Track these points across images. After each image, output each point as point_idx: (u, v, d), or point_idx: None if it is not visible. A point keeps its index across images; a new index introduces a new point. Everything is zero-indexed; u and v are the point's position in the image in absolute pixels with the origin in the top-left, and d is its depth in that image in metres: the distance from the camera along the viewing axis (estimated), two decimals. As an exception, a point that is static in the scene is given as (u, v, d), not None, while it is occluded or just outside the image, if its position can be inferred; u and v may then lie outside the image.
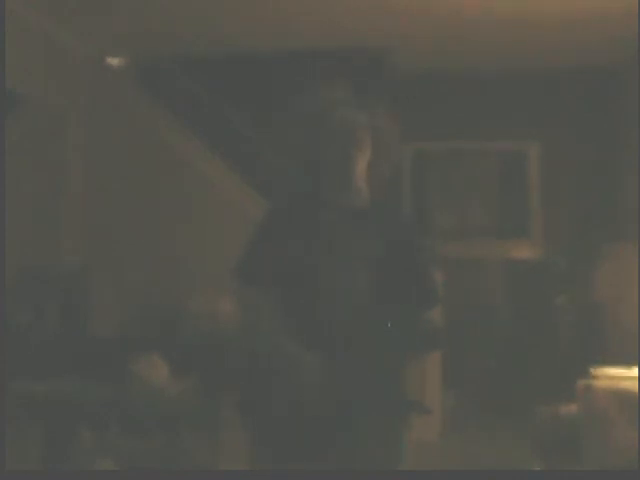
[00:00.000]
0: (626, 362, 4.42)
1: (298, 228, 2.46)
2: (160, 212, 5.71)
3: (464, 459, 4.85)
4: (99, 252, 5.54)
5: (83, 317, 4.98)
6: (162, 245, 5.62)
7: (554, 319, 6.57)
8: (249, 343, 2.48)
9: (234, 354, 4.16)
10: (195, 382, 4.42)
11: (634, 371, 4.22)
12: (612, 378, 4.20)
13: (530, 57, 6.48)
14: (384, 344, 2.41)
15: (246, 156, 6.04)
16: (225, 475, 3.60)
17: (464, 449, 5.17)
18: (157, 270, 5.54)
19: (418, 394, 2.47)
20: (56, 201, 5.47)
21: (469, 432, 5.73)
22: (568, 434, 4.15)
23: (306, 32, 5.86)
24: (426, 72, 6.73)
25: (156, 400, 4.22)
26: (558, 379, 5.71)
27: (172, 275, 5.49)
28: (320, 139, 2.49)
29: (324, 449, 2.34)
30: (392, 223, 2.56)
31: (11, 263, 4.44)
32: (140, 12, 5.49)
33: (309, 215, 2.49)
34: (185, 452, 4.18)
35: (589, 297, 6.26)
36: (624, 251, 5.84)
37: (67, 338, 4.71)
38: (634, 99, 6.23)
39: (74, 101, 5.59)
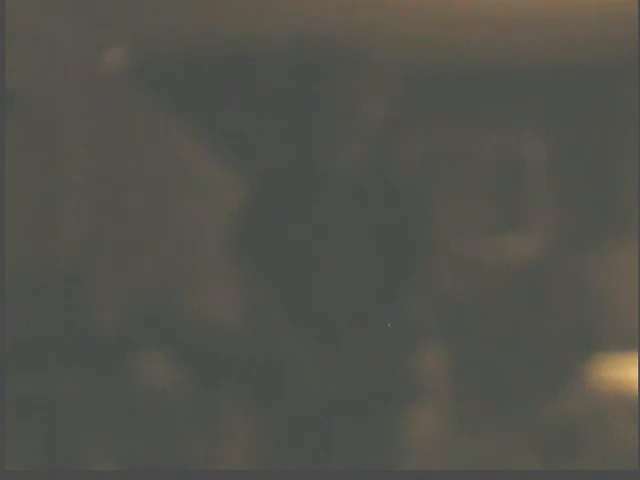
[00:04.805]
0: (626, 361, 4.42)
1: (292, 201, 2.36)
2: (160, 212, 5.71)
3: (464, 459, 4.84)
4: (99, 252, 5.54)
5: (83, 317, 4.98)
6: (162, 245, 5.62)
7: (554, 317, 6.57)
8: (250, 335, 2.42)
9: (235, 353, 4.16)
10: (195, 381, 4.42)
11: (634, 370, 4.22)
12: (612, 377, 4.21)
13: (530, 57, 6.49)
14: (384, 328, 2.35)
15: (247, 156, 6.04)
16: (225, 475, 3.61)
17: (464, 449, 5.17)
18: (157, 270, 5.53)
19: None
20: (56, 201, 5.46)
21: (469, 432, 5.73)
22: (568, 434, 4.16)
23: (306, 32, 5.86)
24: (426, 72, 6.73)
25: (156, 400, 4.23)
26: (558, 378, 5.71)
27: (172, 275, 5.49)
28: (319, 103, 2.37)
29: (324, 448, 2.33)
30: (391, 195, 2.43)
31: (11, 263, 4.44)
32: (140, 12, 5.50)
33: (304, 186, 2.37)
34: (185, 452, 4.19)
35: (589, 296, 6.25)
36: (624, 249, 5.84)
37: (67, 338, 4.71)
38: (634, 99, 6.23)
39: (74, 101, 5.58)
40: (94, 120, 5.57)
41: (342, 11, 5.56)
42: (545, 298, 6.56)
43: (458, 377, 6.23)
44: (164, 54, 6.27)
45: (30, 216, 5.18)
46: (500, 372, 6.54)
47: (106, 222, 5.57)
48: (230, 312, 4.68)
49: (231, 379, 4.13)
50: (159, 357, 4.43)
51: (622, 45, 5.98)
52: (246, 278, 2.37)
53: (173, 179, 5.79)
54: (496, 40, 6.14)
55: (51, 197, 5.37)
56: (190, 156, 5.85)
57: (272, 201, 2.37)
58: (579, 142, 6.88)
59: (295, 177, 2.38)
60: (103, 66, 5.95)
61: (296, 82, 2.47)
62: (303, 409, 2.26)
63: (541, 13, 5.56)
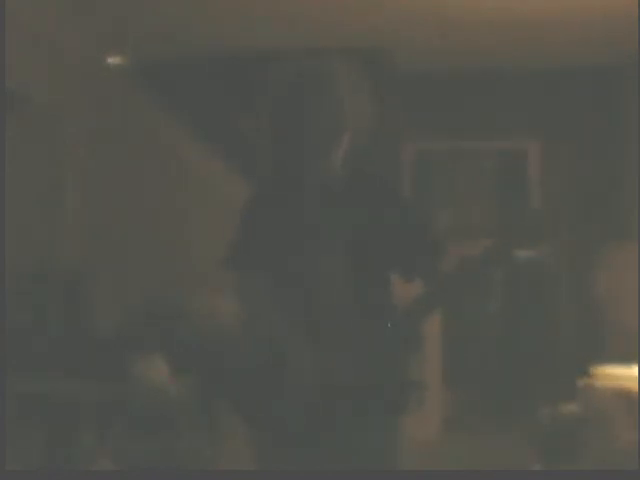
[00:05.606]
0: (626, 361, 4.42)
1: (281, 212, 2.37)
2: (160, 212, 5.70)
3: (464, 459, 4.84)
4: (99, 253, 5.54)
5: (83, 317, 4.98)
6: (162, 245, 5.61)
7: (554, 319, 6.57)
8: (249, 335, 2.42)
9: (234, 353, 4.15)
10: (195, 382, 4.41)
11: (634, 370, 4.22)
12: (612, 378, 4.20)
13: (530, 57, 6.49)
14: (373, 329, 2.33)
15: (247, 157, 6.02)
16: (225, 475, 3.60)
17: (464, 449, 5.17)
18: (157, 270, 5.53)
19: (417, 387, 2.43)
20: (56, 201, 5.46)
21: (469, 432, 5.73)
22: (568, 434, 4.15)
23: (306, 32, 5.86)
24: (426, 72, 6.73)
25: (156, 400, 4.22)
26: (558, 379, 5.71)
27: (172, 275, 5.48)
28: (301, 113, 2.34)
29: (319, 446, 2.32)
30: (379, 199, 2.42)
31: (11, 263, 4.44)
32: (140, 12, 5.50)
33: (291, 197, 2.39)
34: (185, 452, 4.18)
35: (589, 297, 6.25)
36: (624, 251, 5.84)
37: (67, 338, 4.71)
38: (634, 99, 6.23)
39: (74, 101, 5.58)
40: (94, 119, 5.57)
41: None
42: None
43: (457, 379, 6.24)
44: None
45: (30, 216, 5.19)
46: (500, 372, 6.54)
47: (106, 222, 5.58)
48: (228, 312, 4.67)
49: (229, 379, 4.12)
50: (159, 358, 4.43)
51: (623, 46, 5.98)
52: (243, 279, 2.37)
53: (173, 178, 5.78)
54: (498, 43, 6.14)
55: (51, 197, 5.37)
56: (189, 156, 5.84)
57: (268, 202, 2.37)
58: (579, 142, 6.87)
59: (288, 179, 2.37)
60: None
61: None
62: (302, 408, 2.26)
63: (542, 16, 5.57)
